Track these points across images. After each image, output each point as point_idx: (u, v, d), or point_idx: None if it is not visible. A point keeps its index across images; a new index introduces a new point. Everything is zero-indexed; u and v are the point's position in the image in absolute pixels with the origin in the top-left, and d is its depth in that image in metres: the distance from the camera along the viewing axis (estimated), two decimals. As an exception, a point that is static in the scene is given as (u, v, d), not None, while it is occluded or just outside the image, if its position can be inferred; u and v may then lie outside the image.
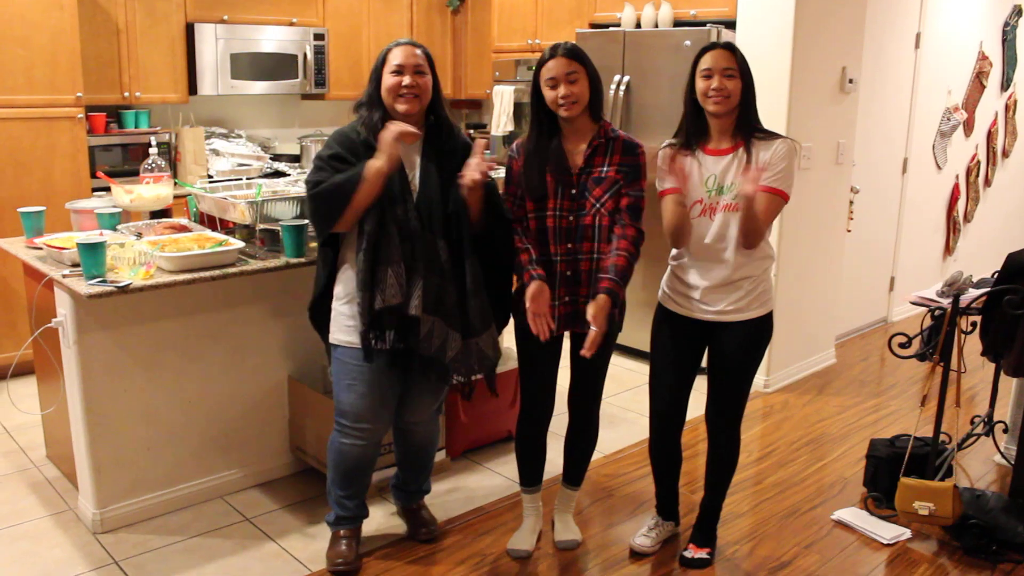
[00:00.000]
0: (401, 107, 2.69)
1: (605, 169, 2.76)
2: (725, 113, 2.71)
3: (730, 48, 2.71)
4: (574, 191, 2.77)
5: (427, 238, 2.71)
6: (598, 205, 2.76)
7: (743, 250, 2.74)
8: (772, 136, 2.74)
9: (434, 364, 2.78)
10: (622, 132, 2.85)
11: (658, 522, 3.14)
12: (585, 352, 2.69)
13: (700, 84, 2.71)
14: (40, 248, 3.26)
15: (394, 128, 2.63)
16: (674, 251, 2.88)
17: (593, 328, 2.67)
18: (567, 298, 2.81)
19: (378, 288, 2.66)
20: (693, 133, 2.79)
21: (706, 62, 2.70)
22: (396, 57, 2.69)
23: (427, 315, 2.70)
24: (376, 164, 2.62)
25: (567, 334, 2.92)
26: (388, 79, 2.69)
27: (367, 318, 2.68)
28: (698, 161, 2.77)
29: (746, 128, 2.73)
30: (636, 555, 3.08)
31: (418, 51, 2.72)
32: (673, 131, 2.89)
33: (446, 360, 2.76)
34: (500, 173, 3.09)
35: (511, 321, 2.99)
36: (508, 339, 3.07)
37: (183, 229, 3.45)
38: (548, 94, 2.72)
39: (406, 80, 2.67)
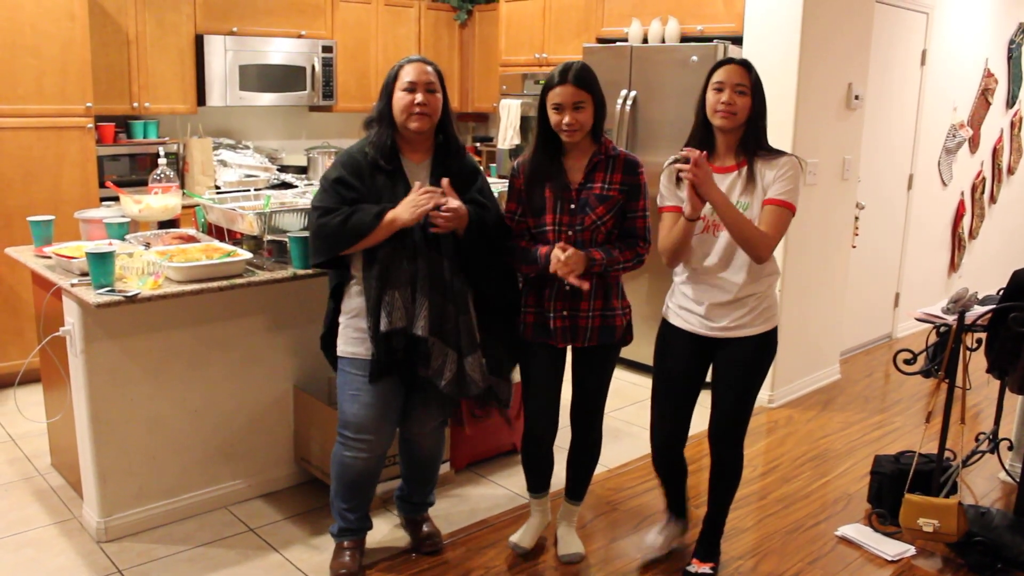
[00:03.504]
0: (413, 125, 2.70)
1: (607, 187, 2.78)
2: (731, 129, 2.71)
3: (745, 65, 2.71)
4: (573, 206, 2.78)
5: (433, 258, 2.72)
6: (599, 223, 2.78)
7: (748, 267, 2.75)
8: (777, 154, 2.75)
9: (431, 384, 2.79)
10: (622, 149, 2.88)
11: (667, 522, 3.15)
12: (580, 283, 2.69)
13: (710, 97, 2.71)
14: (49, 257, 3.28)
15: (426, 200, 2.61)
16: (678, 267, 2.89)
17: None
18: (565, 312, 2.82)
19: (385, 311, 2.67)
20: (700, 148, 2.80)
21: (719, 75, 2.70)
22: (408, 74, 2.69)
23: (432, 336, 2.72)
24: (397, 218, 2.63)
25: (569, 349, 2.93)
26: (400, 96, 2.70)
27: (376, 341, 2.70)
28: None
29: (752, 146, 2.74)
30: (640, 569, 3.08)
31: (429, 68, 2.73)
32: (679, 146, 2.89)
33: (442, 382, 2.77)
34: (504, 187, 3.11)
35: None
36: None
37: (191, 239, 3.47)
38: (553, 117, 2.73)
39: (418, 98, 2.68)
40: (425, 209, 2.61)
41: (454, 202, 2.66)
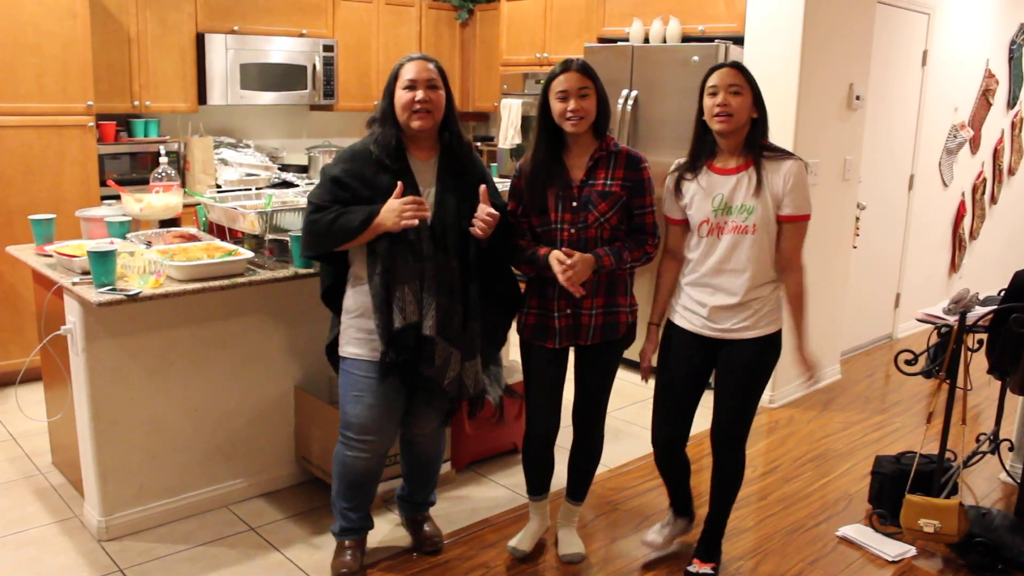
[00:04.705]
0: (415, 124, 2.69)
1: (609, 183, 2.77)
2: (730, 132, 2.71)
3: (736, 66, 2.72)
4: (575, 204, 2.77)
5: (440, 258, 2.71)
6: (602, 220, 2.77)
7: (752, 271, 2.75)
8: (781, 155, 2.75)
9: (432, 383, 2.79)
10: (624, 146, 2.86)
11: (670, 519, 3.15)
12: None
13: (706, 102, 2.73)
14: (50, 255, 3.27)
15: (403, 214, 2.61)
16: (684, 268, 2.89)
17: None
18: (568, 311, 2.82)
19: (397, 307, 2.66)
20: (700, 153, 2.81)
21: (712, 80, 2.71)
22: (409, 72, 2.68)
23: (438, 336, 2.71)
24: (382, 224, 2.63)
25: (571, 349, 2.92)
26: (401, 95, 2.69)
27: (387, 337, 2.69)
28: (705, 180, 2.78)
29: (756, 146, 2.74)
30: (640, 569, 3.08)
31: (431, 65, 2.72)
32: (680, 146, 2.90)
33: (444, 381, 2.77)
34: (505, 186, 3.12)
35: (514, 334, 2.99)
36: (513, 351, 3.07)
37: (192, 238, 3.47)
38: (557, 106, 2.73)
39: (419, 95, 2.67)
40: (409, 224, 2.61)
41: (493, 211, 2.70)
